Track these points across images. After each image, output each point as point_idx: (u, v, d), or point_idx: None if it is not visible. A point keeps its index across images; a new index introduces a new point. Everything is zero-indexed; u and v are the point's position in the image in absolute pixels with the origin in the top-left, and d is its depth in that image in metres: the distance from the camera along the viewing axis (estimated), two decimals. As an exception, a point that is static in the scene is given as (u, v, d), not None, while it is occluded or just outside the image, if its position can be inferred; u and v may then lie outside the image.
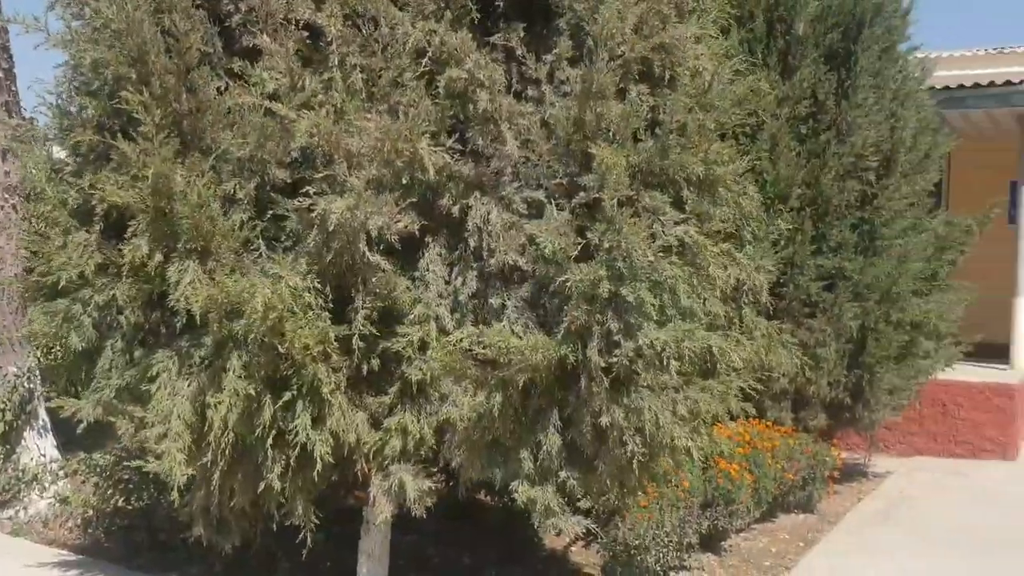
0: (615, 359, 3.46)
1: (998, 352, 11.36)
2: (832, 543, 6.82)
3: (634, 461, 3.47)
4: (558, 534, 5.65)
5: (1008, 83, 11.46)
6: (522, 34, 3.81)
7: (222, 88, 3.88)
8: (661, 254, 3.56)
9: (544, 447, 3.53)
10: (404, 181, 3.45)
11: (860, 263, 7.58)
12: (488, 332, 3.38)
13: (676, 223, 3.70)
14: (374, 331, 3.52)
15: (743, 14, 7.77)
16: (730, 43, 7.49)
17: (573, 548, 6.33)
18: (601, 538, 5.55)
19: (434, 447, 3.71)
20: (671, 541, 5.57)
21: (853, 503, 8.00)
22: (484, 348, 3.35)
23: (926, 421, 9.90)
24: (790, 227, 7.38)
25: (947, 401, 9.85)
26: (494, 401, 3.35)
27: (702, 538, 6.10)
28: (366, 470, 3.75)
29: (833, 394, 7.74)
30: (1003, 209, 11.27)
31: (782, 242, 7.45)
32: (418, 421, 3.58)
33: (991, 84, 11.56)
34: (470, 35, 3.57)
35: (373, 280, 3.45)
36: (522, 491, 3.55)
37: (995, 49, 14.71)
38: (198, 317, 3.52)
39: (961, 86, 11.63)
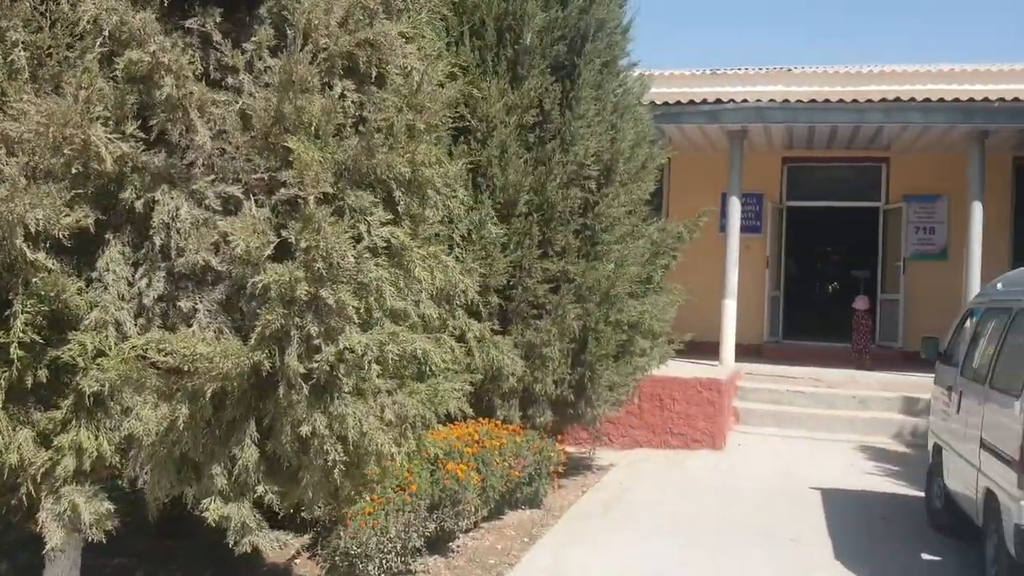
0: (315, 364, 3.31)
1: (711, 350, 12.34)
2: (556, 536, 7.03)
3: (335, 470, 3.33)
4: (282, 547, 5.42)
5: (718, 101, 12.49)
6: (219, 19, 3.56)
7: None
8: (368, 255, 3.46)
9: (240, 461, 3.31)
10: (76, 170, 3.10)
11: (583, 266, 7.89)
12: (171, 338, 3.11)
13: (383, 224, 3.61)
14: (38, 338, 3.14)
15: (475, 22, 7.86)
16: (463, 51, 7.58)
17: (297, 560, 6.10)
18: (321, 549, 5.38)
19: (117, 465, 3.38)
20: (395, 547, 5.49)
21: (578, 496, 8.31)
22: (166, 355, 3.08)
23: (645, 415, 10.52)
24: (517, 232, 7.56)
25: (663, 396, 10.52)
26: (180, 413, 3.09)
27: (429, 540, 6.06)
28: (34, 494, 3.34)
29: (559, 391, 8.00)
30: (715, 217, 12.26)
31: (511, 246, 7.61)
32: (96, 438, 3.24)
33: (704, 102, 12.55)
34: (154, 16, 3.28)
35: (36, 281, 3.07)
36: (213, 509, 3.31)
37: (709, 71, 15.97)
38: None
39: (678, 102, 12.52)
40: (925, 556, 6.82)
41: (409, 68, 3.80)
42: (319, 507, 3.75)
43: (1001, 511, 5.50)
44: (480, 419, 7.29)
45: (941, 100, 11.90)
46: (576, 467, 9.25)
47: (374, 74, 3.71)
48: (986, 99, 11.75)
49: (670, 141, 13.01)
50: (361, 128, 3.59)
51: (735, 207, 12.77)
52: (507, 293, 7.71)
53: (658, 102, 11.63)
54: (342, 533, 5.32)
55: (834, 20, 49.10)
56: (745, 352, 13.41)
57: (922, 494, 8.17)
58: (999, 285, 7.08)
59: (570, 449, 9.08)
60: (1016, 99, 11.65)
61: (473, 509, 6.54)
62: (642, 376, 9.05)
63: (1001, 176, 13.94)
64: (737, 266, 12.69)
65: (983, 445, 6.00)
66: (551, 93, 7.94)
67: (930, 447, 7.96)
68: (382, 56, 3.72)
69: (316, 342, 3.28)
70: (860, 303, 14.14)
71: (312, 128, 3.42)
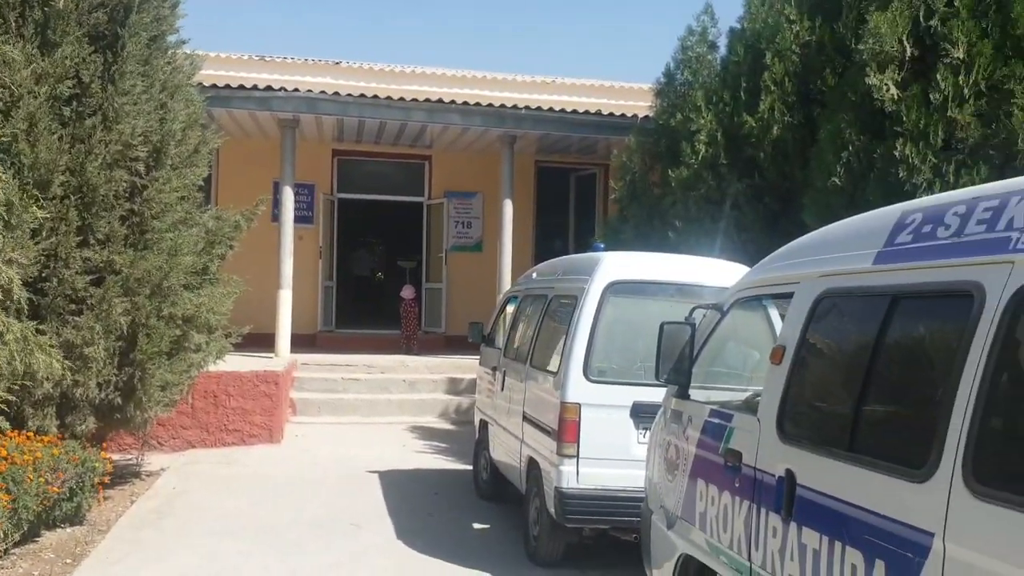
0: None
1: (267, 342, 12.10)
2: (105, 553, 6.39)
3: None
4: None
5: (269, 88, 12.27)
6: None
7: None
8: None
9: None
10: None
11: (131, 256, 7.25)
12: None
13: None
14: None
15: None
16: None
17: None
18: None
19: None
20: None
21: (127, 507, 7.65)
22: None
23: (199, 414, 10.02)
24: (51, 216, 6.71)
25: (219, 392, 10.10)
26: None
27: (-57, 579, 5.17)
28: None
29: (103, 395, 7.28)
30: (269, 207, 12.04)
31: (44, 232, 6.73)
32: None
33: (254, 88, 12.25)
34: None
35: None
36: None
37: (258, 56, 15.64)
38: None
39: (228, 86, 12.08)
40: (476, 525, 7.37)
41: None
42: None
43: (542, 477, 6.13)
44: (9, 432, 6.38)
45: (478, 104, 12.93)
46: (123, 475, 8.51)
47: None
48: (515, 106, 13.01)
49: (220, 126, 12.51)
50: None
51: (288, 197, 12.67)
52: (39, 287, 6.83)
53: (207, 84, 11.10)
54: None
55: (381, 15, 51.14)
56: (300, 342, 13.40)
57: (470, 468, 8.82)
58: (534, 275, 7.87)
59: (115, 457, 8.31)
60: (539, 108, 13.06)
61: (3, 535, 5.70)
62: (198, 373, 8.58)
63: (527, 177, 15.54)
64: (292, 256, 12.62)
65: (526, 418, 6.63)
66: (91, 64, 7.16)
67: (476, 423, 8.63)
68: None
69: None
70: (407, 292, 14.88)
71: None
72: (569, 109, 13.30)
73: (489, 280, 13.74)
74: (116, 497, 7.89)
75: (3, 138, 6.52)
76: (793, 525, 3.14)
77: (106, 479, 7.40)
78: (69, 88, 7.05)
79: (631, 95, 15.82)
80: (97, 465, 7.10)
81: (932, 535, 2.45)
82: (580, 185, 16.40)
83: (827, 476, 3.00)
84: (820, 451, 3.08)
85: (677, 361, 4.24)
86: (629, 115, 12.96)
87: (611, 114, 13.21)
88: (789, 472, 3.21)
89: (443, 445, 10.48)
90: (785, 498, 3.20)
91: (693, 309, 4.37)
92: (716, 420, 3.91)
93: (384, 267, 19.28)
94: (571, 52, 51.74)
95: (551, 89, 16.00)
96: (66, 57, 7.01)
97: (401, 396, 12.13)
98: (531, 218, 15.71)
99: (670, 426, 4.40)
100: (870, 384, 2.93)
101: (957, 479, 2.38)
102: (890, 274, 2.97)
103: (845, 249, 3.30)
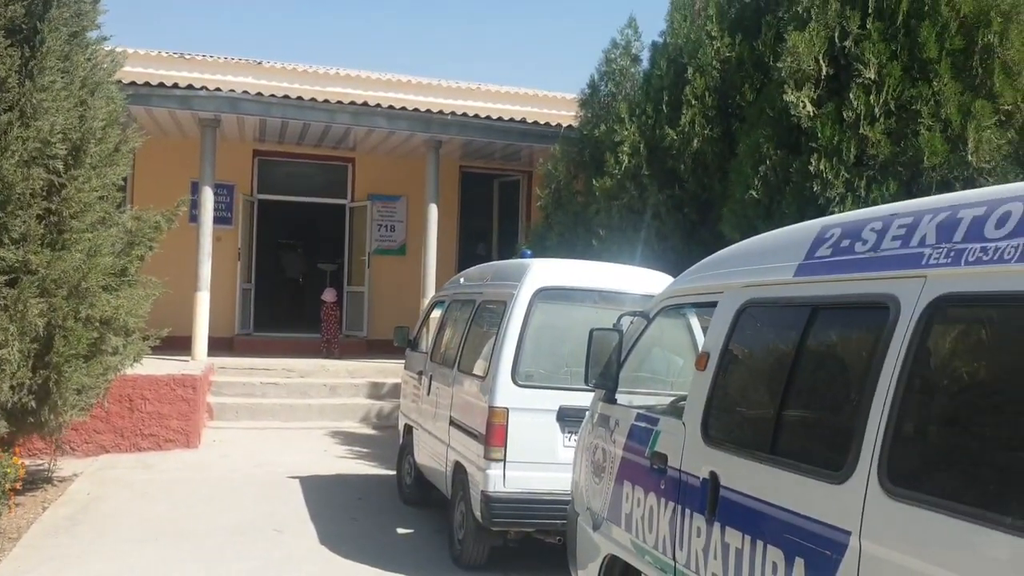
0: None
1: (183, 345, 11.87)
2: (16, 561, 6.21)
3: None
4: None
5: (191, 87, 12.06)
6: None
7: None
8: None
9: None
10: None
11: (48, 256, 7.05)
12: None
13: None
14: None
15: None
16: None
17: None
18: None
19: None
20: None
21: (38, 514, 7.44)
22: None
23: (113, 418, 9.79)
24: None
25: (134, 396, 9.89)
26: None
27: None
28: None
29: (16, 398, 7.06)
30: (188, 207, 11.82)
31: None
32: None
33: (175, 86, 12.03)
34: None
35: None
36: None
37: (177, 54, 15.35)
38: None
39: (147, 84, 11.84)
40: (400, 530, 7.39)
41: None
42: None
43: (468, 481, 6.19)
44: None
45: (404, 109, 12.94)
46: (35, 481, 8.27)
47: None
48: (441, 112, 13.06)
49: (139, 125, 12.23)
50: None
51: (208, 197, 12.46)
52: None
53: (126, 81, 10.85)
54: None
55: (300, 14, 50.45)
56: (218, 346, 13.18)
57: (393, 472, 8.83)
58: (462, 280, 7.93)
59: (26, 462, 8.07)
60: (464, 114, 13.14)
61: (-93, 544, 5.50)
62: (114, 376, 8.39)
63: (451, 181, 15.60)
64: (210, 258, 12.40)
65: (452, 423, 6.69)
66: (7, 59, 6.95)
67: (401, 428, 8.64)
68: None
69: None
70: (328, 295, 14.78)
71: None
72: (495, 116, 13.41)
73: (413, 284, 13.74)
74: (27, 504, 7.66)
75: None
76: (717, 525, 3.28)
77: (18, 485, 7.20)
78: (-15, 83, 6.84)
79: (556, 104, 16.06)
80: (9, 471, 6.91)
81: (849, 533, 2.60)
82: (504, 191, 16.53)
83: (749, 478, 3.14)
84: (743, 454, 3.22)
85: (605, 366, 4.36)
86: (553, 124, 13.16)
87: (535, 122, 13.38)
88: (713, 474, 3.34)
89: (365, 450, 10.45)
90: (709, 499, 3.33)
91: (621, 316, 4.49)
92: (642, 424, 4.04)
93: (305, 269, 19.07)
94: (502, 57, 52.03)
95: (476, 96, 16.10)
96: (-19, 51, 6.80)
97: (322, 400, 12.04)
98: (455, 222, 15.77)
99: (597, 430, 4.52)
100: (791, 390, 3.09)
101: (873, 480, 2.54)
102: (810, 285, 3.14)
103: (768, 261, 3.46)
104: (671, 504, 3.63)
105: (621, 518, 4.11)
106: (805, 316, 3.11)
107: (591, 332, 4.41)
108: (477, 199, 16.30)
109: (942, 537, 2.30)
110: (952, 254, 2.54)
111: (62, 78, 7.26)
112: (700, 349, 3.79)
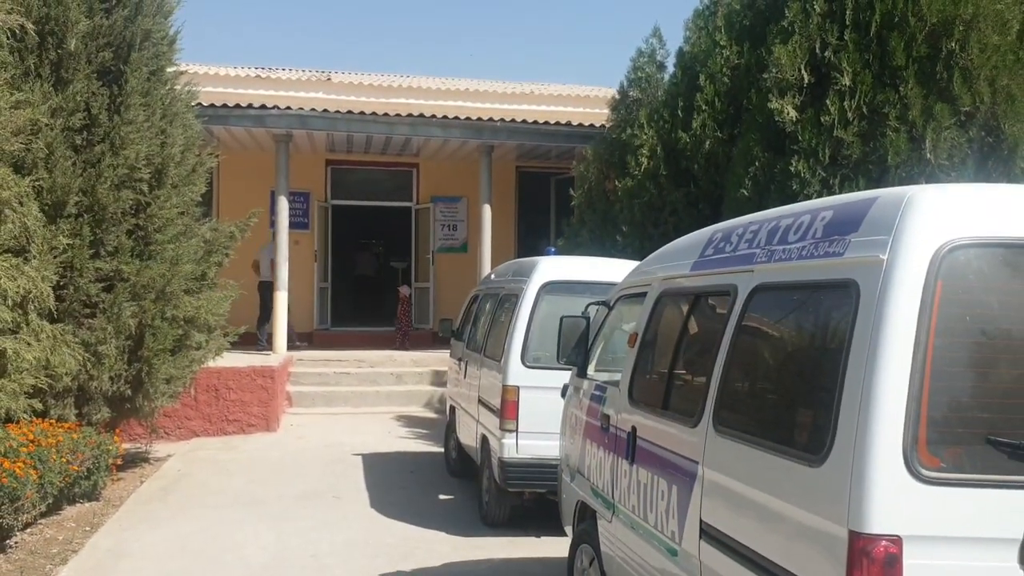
0: None
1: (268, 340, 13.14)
2: (117, 522, 7.45)
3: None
4: None
5: (264, 106, 13.30)
6: None
7: None
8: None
9: None
10: None
11: (137, 266, 8.29)
12: None
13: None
14: None
15: (13, 24, 7.82)
16: (1, 53, 7.55)
17: None
18: None
19: None
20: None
21: (136, 486, 8.70)
22: None
23: (201, 406, 11.07)
24: (69, 235, 7.76)
25: (220, 386, 11.15)
26: None
27: (-18, 538, 6.19)
28: None
29: (115, 387, 8.33)
30: (267, 215, 13.10)
31: (62, 248, 7.78)
32: None
33: (250, 106, 13.28)
34: None
35: None
36: None
37: (255, 72, 16.70)
38: None
39: (225, 105, 13.10)
40: (441, 496, 8.40)
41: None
42: None
43: (490, 451, 7.16)
44: (35, 420, 7.42)
45: (456, 118, 13.96)
46: (134, 461, 9.57)
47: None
48: (491, 119, 14.02)
49: (219, 141, 13.60)
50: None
51: (283, 205, 13.69)
52: (58, 294, 7.86)
53: (206, 103, 12.11)
54: None
55: (373, 23, 52.25)
56: (298, 340, 14.45)
57: (443, 449, 9.86)
58: (493, 276, 8.90)
59: (127, 445, 9.36)
60: (513, 120, 14.08)
61: (32, 505, 6.74)
62: (199, 368, 9.62)
63: (508, 181, 16.58)
64: (287, 260, 13.63)
65: (480, 402, 7.67)
66: (99, 98, 8.20)
67: (447, 409, 9.67)
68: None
69: None
70: (402, 291, 15.97)
71: None
72: (542, 120, 14.30)
73: (472, 279, 14.73)
74: (128, 478, 8.95)
75: (26, 165, 7.56)
76: (635, 467, 4.16)
77: (119, 461, 8.45)
78: (80, 119, 8.09)
79: (606, 104, 16.83)
80: (111, 448, 8.16)
81: (697, 463, 3.47)
82: (560, 188, 17.39)
83: (653, 429, 4.02)
84: (650, 411, 4.10)
85: (575, 347, 5.27)
86: (598, 124, 13.97)
87: (580, 124, 14.23)
88: (633, 427, 4.23)
89: (424, 431, 11.51)
90: (630, 447, 4.22)
91: (588, 305, 5.38)
92: (598, 392, 4.93)
93: (377, 268, 20.40)
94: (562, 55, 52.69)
95: (529, 99, 17.02)
96: (77, 92, 8.04)
97: (389, 388, 13.17)
98: (513, 219, 16.73)
99: (571, 399, 5.43)
100: (677, 360, 3.97)
101: (710, 424, 3.41)
102: (697, 278, 3.99)
103: (678, 259, 4.33)
104: (611, 454, 4.53)
105: (586, 469, 5.01)
106: (690, 301, 3.98)
107: (561, 319, 5.32)
108: (535, 197, 17.20)
109: (741, 460, 3.16)
110: (769, 254, 3.37)
111: (144, 112, 8.47)
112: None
